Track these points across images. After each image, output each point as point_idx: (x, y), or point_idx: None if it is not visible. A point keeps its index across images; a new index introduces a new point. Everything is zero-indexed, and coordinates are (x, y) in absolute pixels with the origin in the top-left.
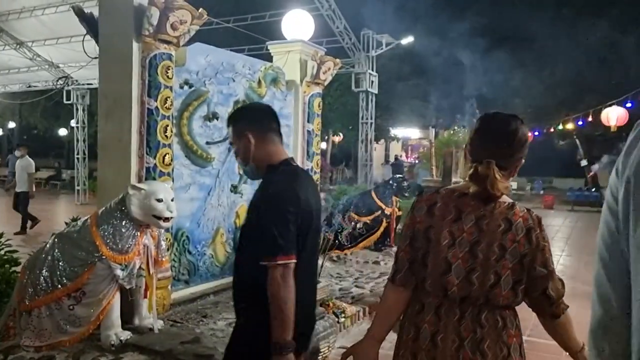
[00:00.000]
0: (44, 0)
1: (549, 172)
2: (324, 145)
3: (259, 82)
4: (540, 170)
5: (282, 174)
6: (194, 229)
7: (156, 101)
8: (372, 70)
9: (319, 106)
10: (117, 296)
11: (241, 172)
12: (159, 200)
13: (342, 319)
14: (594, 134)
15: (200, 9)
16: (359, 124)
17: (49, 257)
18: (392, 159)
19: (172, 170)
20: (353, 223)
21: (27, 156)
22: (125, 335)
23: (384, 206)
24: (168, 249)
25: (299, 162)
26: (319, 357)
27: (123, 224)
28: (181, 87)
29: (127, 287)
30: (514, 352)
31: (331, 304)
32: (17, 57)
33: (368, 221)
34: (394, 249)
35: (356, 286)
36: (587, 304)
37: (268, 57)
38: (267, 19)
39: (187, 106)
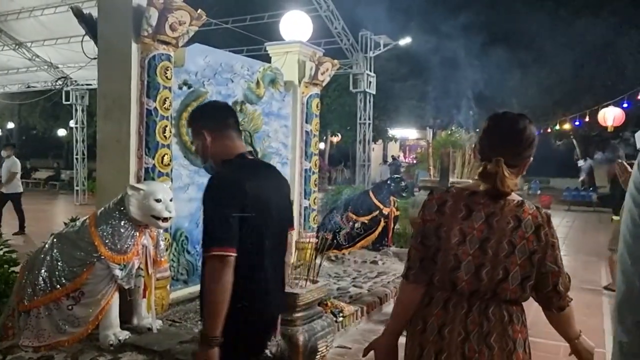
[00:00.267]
0: (43, 1)
1: (546, 172)
2: (322, 145)
3: (258, 82)
4: (537, 171)
5: (230, 166)
6: (192, 229)
7: (155, 102)
8: (370, 71)
9: (317, 107)
10: (116, 296)
11: None
12: (158, 201)
13: (340, 319)
14: (590, 134)
15: (199, 10)
16: (356, 124)
17: (48, 258)
18: (389, 159)
19: (171, 170)
20: (351, 223)
21: (13, 156)
22: (124, 335)
23: (382, 206)
24: (167, 249)
25: (297, 162)
26: (317, 357)
27: (122, 224)
28: (180, 88)
29: (126, 287)
30: (519, 347)
31: (329, 304)
32: (16, 57)
33: (366, 221)
34: (392, 248)
35: (354, 286)
36: (583, 300)
37: (266, 58)
38: (265, 20)
39: (186, 107)
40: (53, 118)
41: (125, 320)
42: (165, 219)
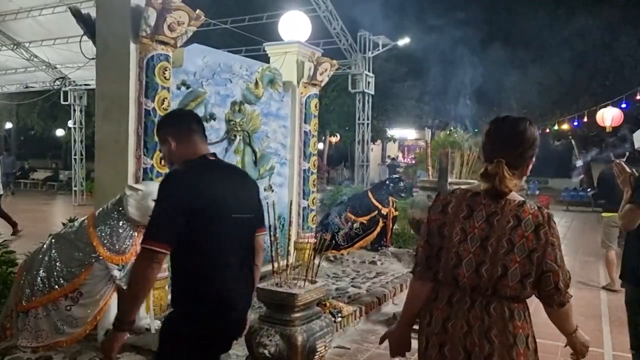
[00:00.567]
0: (41, 1)
1: (545, 173)
2: (320, 145)
3: (256, 83)
4: (535, 171)
5: (187, 166)
6: None
7: (153, 102)
8: (369, 71)
9: (315, 107)
10: (114, 296)
11: None
12: None
13: (339, 319)
14: (589, 134)
15: (198, 10)
16: (355, 124)
17: (46, 258)
18: (387, 160)
19: None
20: (350, 223)
21: None
22: None
23: (380, 206)
24: None
25: (295, 163)
26: (316, 357)
27: (120, 224)
28: (178, 88)
29: (124, 287)
30: (519, 342)
31: (328, 304)
32: (14, 57)
33: (365, 221)
34: (391, 249)
35: (353, 286)
36: (582, 300)
37: (265, 59)
38: (264, 20)
39: (185, 107)
40: (51, 118)
41: None
42: None
